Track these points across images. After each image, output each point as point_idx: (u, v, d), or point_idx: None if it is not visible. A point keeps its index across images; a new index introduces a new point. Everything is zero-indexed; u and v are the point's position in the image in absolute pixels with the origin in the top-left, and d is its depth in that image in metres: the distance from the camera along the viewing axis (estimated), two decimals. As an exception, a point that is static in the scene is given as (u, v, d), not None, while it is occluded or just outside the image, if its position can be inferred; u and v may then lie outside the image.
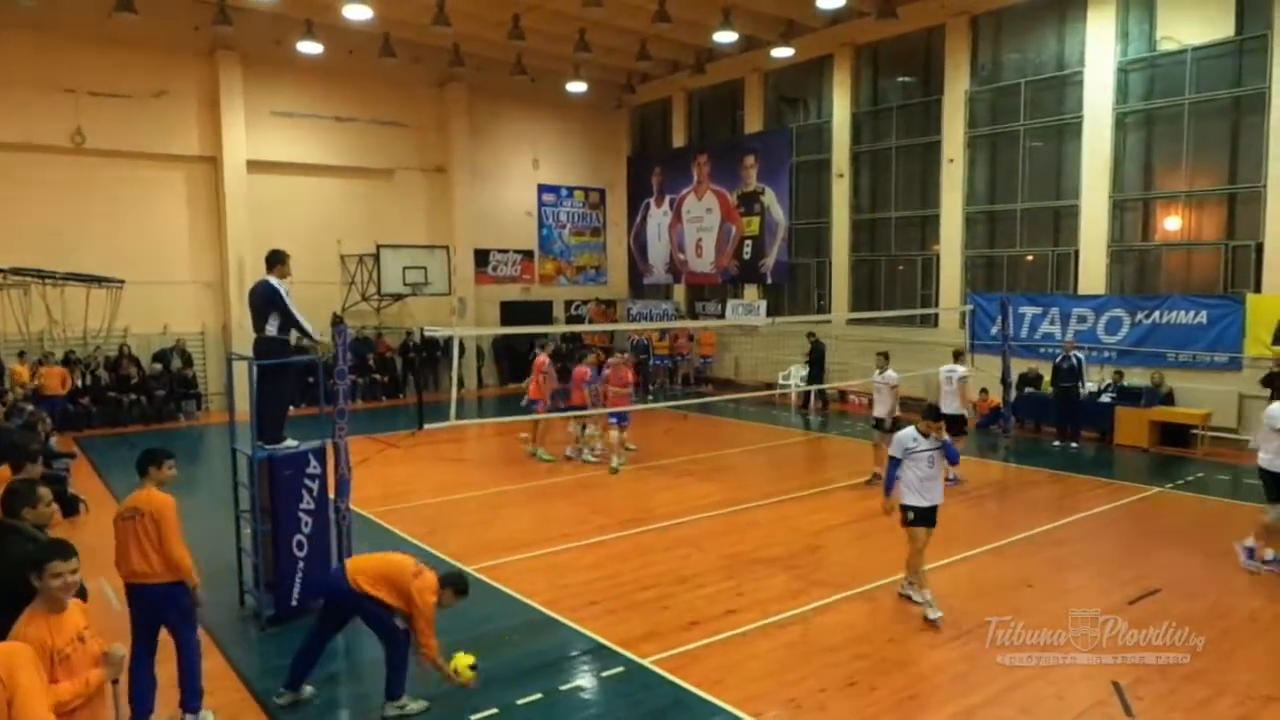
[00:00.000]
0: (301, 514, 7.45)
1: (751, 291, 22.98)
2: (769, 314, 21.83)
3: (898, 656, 6.61)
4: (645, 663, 6.49)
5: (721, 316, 23.15)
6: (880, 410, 12.30)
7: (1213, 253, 15.13)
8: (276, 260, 7.74)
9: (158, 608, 5.58)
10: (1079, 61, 16.22)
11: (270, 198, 20.09)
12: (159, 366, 18.43)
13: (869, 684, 6.14)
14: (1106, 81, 15.73)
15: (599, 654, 6.71)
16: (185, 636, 5.66)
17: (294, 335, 7.84)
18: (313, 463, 7.54)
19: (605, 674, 6.40)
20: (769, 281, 22.41)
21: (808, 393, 19.11)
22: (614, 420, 13.09)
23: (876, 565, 8.70)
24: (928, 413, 7.60)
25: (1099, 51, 15.81)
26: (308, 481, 7.49)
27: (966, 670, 6.26)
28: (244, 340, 8.02)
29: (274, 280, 7.61)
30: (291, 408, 8.39)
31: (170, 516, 5.53)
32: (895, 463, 7.46)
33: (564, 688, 6.20)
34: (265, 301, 7.61)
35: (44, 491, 5.12)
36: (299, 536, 7.41)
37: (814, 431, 17.16)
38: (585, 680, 6.37)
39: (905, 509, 7.46)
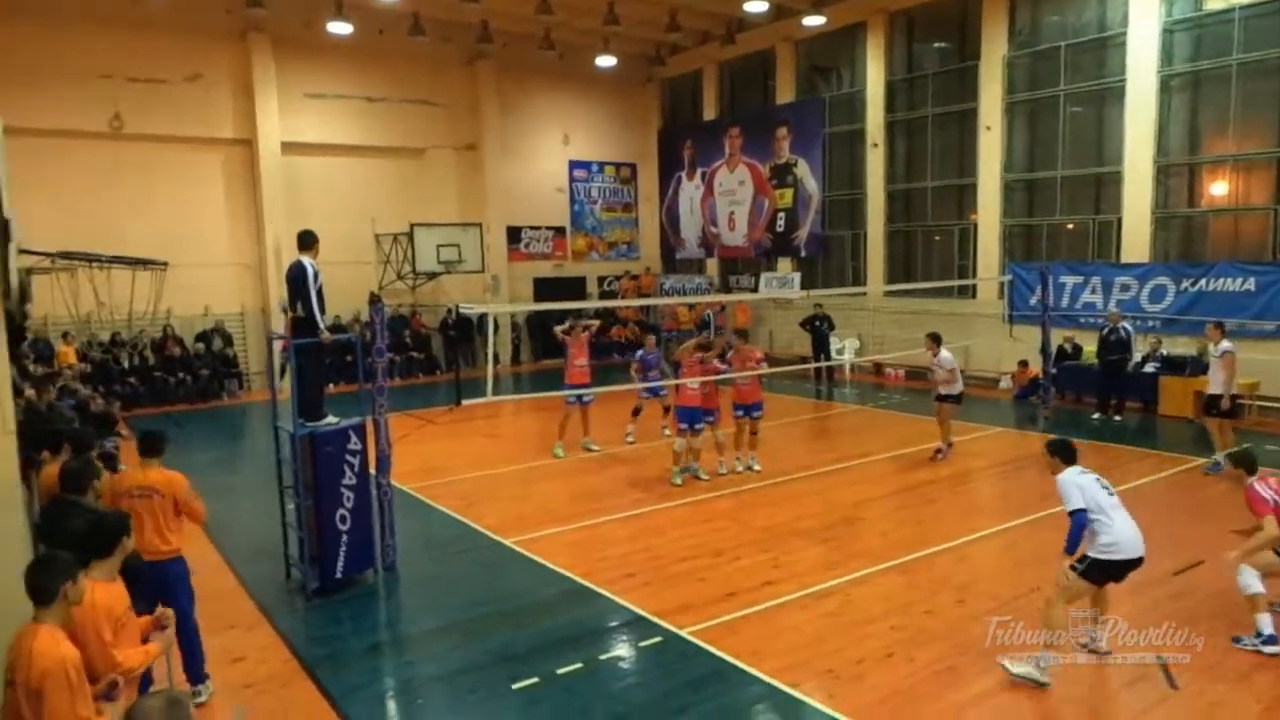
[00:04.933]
0: (344, 489, 7.59)
1: (785, 264, 22.82)
2: (803, 287, 21.67)
3: (935, 628, 6.60)
4: (683, 633, 6.55)
5: (755, 290, 23.03)
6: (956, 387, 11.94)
7: (1261, 218, 14.71)
8: (308, 240, 7.86)
9: (170, 582, 5.56)
10: (1121, 23, 15.76)
11: (305, 179, 20.32)
12: (202, 346, 18.81)
13: (906, 655, 6.15)
14: (1151, 43, 15.28)
15: (637, 625, 6.79)
16: (188, 610, 5.60)
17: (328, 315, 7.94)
18: (353, 439, 7.68)
19: (643, 644, 6.48)
20: (803, 254, 22.22)
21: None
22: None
23: (913, 538, 8.68)
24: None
25: (1142, 12, 15.34)
26: (349, 457, 7.63)
27: (1006, 643, 6.19)
28: (282, 320, 8.19)
29: (306, 260, 7.73)
30: (332, 385, 8.56)
31: (188, 490, 5.75)
32: None
33: (603, 657, 6.29)
34: (293, 282, 7.74)
35: (99, 468, 5.33)
36: (342, 511, 7.56)
37: (851, 404, 17.07)
38: (624, 650, 6.46)
39: None
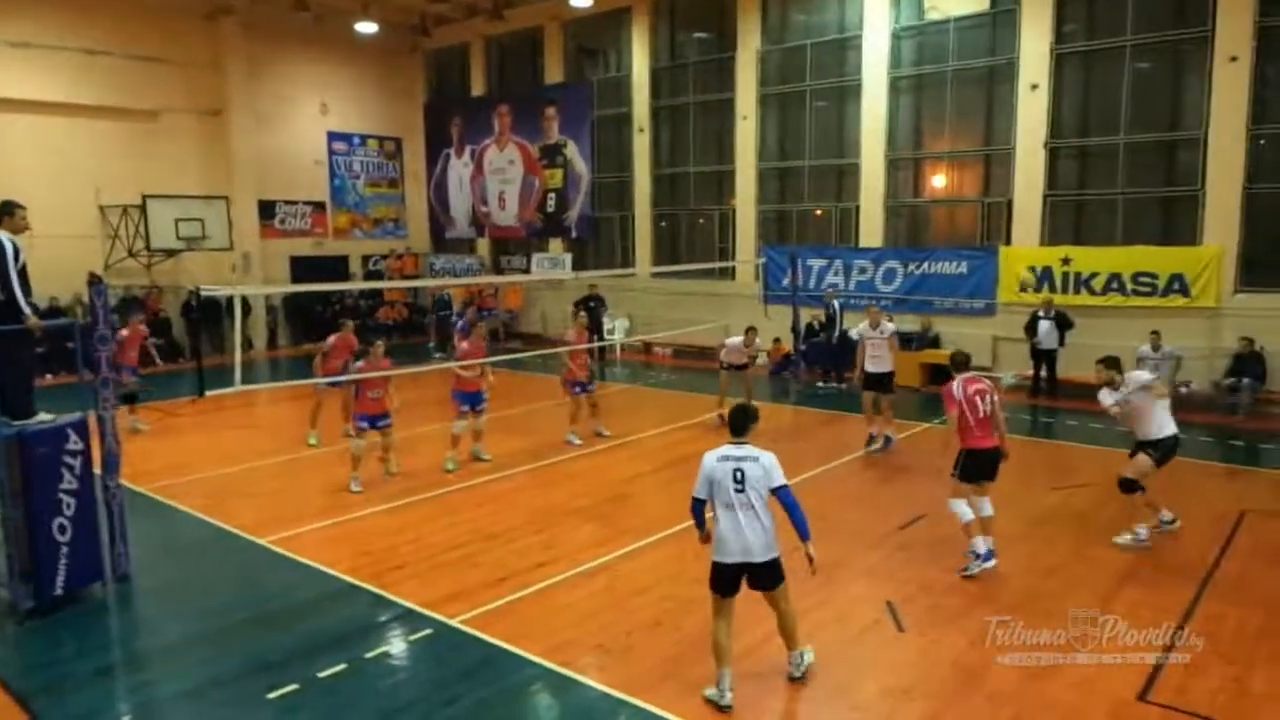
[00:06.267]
0: (63, 495, 6.73)
1: (556, 245, 22.92)
2: (574, 268, 21.89)
3: (701, 596, 6.78)
4: (454, 623, 6.44)
5: (527, 271, 22.97)
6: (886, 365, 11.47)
7: (972, 208, 16.69)
8: (5, 212, 6.85)
9: None
10: (858, 26, 17.18)
11: (10, 140, 17.75)
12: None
13: (674, 624, 6.42)
14: (882, 47, 16.79)
15: (406, 618, 6.59)
16: None
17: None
18: (73, 438, 6.81)
19: (413, 638, 6.30)
20: (574, 235, 22.42)
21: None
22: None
23: (680, 511, 8.93)
24: None
25: (875, 17, 16.82)
26: (68, 459, 6.76)
27: (760, 604, 6.59)
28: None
29: (3, 236, 6.74)
30: (50, 376, 7.54)
31: None
32: None
33: (369, 655, 6.04)
34: None
35: None
36: (60, 520, 6.70)
37: (622, 383, 17.49)
38: (392, 646, 6.24)
39: None
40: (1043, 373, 14.66)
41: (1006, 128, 15.73)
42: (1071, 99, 15.24)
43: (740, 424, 5.41)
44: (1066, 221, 15.46)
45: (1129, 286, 14.43)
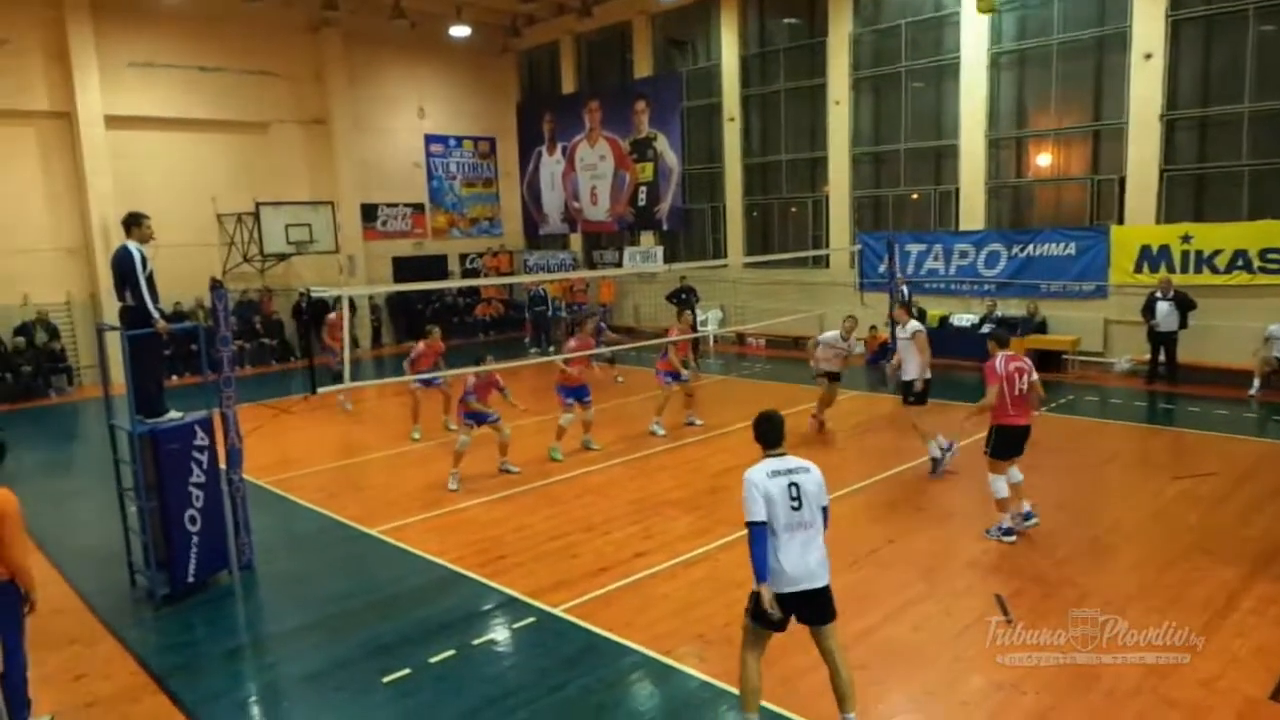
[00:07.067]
0: (192, 488, 7.18)
1: (648, 238, 23.02)
2: (666, 260, 21.95)
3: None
4: (556, 611, 6.57)
5: (619, 264, 23.15)
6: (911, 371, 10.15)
7: (1080, 187, 15.94)
8: (133, 223, 7.33)
9: None
10: (955, 3, 16.61)
11: (135, 155, 18.87)
12: (22, 340, 17.26)
13: (772, 615, 6.37)
14: (981, 22, 16.19)
15: (510, 607, 6.76)
16: (14, 643, 4.89)
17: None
18: (200, 434, 7.25)
19: (517, 626, 6.46)
20: (665, 228, 22.47)
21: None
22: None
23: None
24: None
25: (974, -8, 16.23)
26: (196, 454, 7.21)
27: (864, 594, 6.57)
28: (116, 309, 7.64)
29: (132, 245, 7.20)
30: (176, 378, 8.03)
31: (13, 514, 4.74)
32: None
33: (476, 642, 6.23)
34: (119, 269, 7.21)
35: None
36: (191, 511, 7.15)
37: (716, 374, 17.45)
38: (497, 634, 6.42)
39: None
40: (1161, 357, 13.92)
41: (1118, 101, 14.96)
42: (1189, 67, 14.38)
43: (776, 435, 4.72)
44: (1186, 197, 14.61)
45: (1256, 264, 13.54)
